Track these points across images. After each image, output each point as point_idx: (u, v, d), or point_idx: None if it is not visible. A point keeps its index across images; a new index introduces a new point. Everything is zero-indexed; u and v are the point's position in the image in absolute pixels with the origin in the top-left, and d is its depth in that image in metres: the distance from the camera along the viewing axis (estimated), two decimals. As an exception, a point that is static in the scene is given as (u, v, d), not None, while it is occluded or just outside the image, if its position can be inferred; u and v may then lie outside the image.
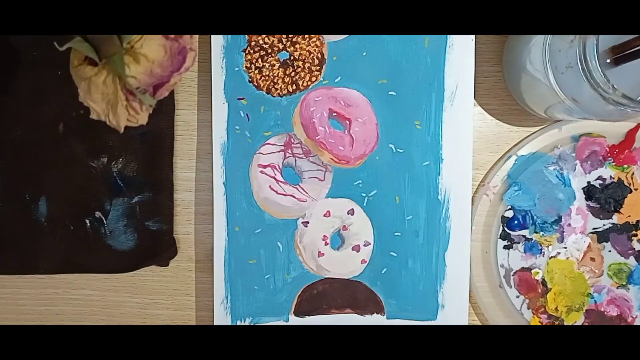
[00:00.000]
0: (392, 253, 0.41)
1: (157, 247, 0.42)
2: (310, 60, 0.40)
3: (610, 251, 0.43)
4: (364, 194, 0.41)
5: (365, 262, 0.41)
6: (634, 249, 0.43)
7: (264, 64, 0.40)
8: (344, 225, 0.41)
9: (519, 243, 0.43)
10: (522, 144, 0.42)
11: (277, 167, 0.41)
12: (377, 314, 0.42)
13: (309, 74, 0.40)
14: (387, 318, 0.42)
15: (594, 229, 0.42)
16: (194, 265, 0.44)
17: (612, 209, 0.42)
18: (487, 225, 0.42)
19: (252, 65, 0.40)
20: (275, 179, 0.41)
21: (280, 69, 0.40)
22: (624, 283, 0.43)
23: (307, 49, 0.40)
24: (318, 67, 0.40)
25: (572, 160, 0.42)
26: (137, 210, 0.42)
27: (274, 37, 0.40)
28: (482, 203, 0.42)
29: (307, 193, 0.41)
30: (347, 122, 0.41)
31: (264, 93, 0.40)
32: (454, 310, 0.41)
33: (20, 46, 0.41)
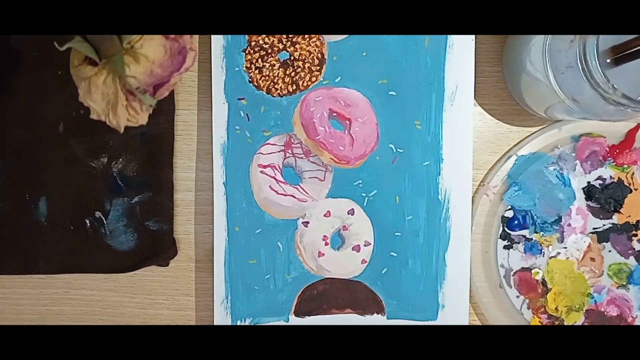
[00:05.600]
0: (392, 253, 0.41)
1: (157, 247, 0.42)
2: (311, 60, 0.40)
3: (610, 251, 0.43)
4: (364, 194, 0.41)
5: (366, 262, 0.41)
6: (634, 249, 0.43)
7: (264, 64, 0.40)
8: (344, 225, 0.41)
9: (519, 243, 0.43)
10: (522, 144, 0.42)
11: (277, 167, 0.41)
12: (378, 314, 0.42)
13: (309, 74, 0.40)
14: (388, 318, 0.42)
15: (594, 229, 0.42)
16: (194, 265, 0.44)
17: (612, 209, 0.42)
18: (487, 225, 0.42)
19: (252, 65, 0.40)
20: (276, 179, 0.41)
21: (281, 69, 0.40)
22: (624, 283, 0.43)
23: (307, 49, 0.40)
24: (318, 67, 0.40)
25: (572, 160, 0.42)
26: (137, 210, 0.42)
27: (274, 37, 0.40)
28: (482, 203, 0.42)
29: (307, 193, 0.41)
30: (347, 122, 0.41)
31: (264, 93, 0.40)
32: (454, 310, 0.41)
33: (20, 46, 0.41)
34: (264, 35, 0.40)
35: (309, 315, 0.42)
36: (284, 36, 0.40)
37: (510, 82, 0.41)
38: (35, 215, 0.42)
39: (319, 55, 0.40)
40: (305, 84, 0.40)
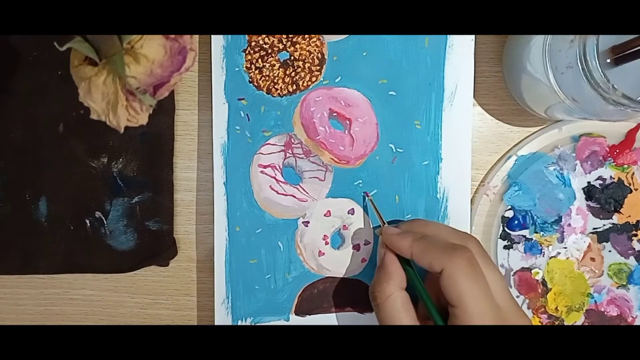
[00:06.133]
0: (392, 253, 0.41)
1: (157, 247, 0.42)
2: (311, 60, 0.40)
3: (610, 251, 0.43)
4: (364, 194, 0.41)
5: (366, 260, 0.41)
6: (634, 249, 0.43)
7: (264, 64, 0.40)
8: (344, 225, 0.41)
9: (519, 243, 0.43)
10: (522, 144, 0.42)
11: (278, 167, 0.41)
12: (378, 312, 0.42)
13: (309, 74, 0.40)
14: (388, 317, 0.42)
15: (594, 229, 0.42)
16: (195, 266, 0.44)
17: (612, 209, 0.42)
18: (487, 225, 0.42)
19: (252, 65, 0.40)
20: (276, 179, 0.41)
21: (281, 69, 0.40)
22: (624, 283, 0.43)
23: (307, 49, 0.40)
24: (318, 67, 0.40)
25: (572, 160, 0.42)
26: (137, 210, 0.42)
27: (274, 37, 0.40)
28: (482, 203, 0.42)
29: (307, 193, 0.41)
30: (348, 122, 0.41)
31: (264, 93, 0.40)
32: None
33: (20, 46, 0.41)
34: (264, 36, 0.40)
35: (310, 314, 0.42)
36: (284, 36, 0.40)
37: (510, 82, 0.41)
38: (35, 215, 0.42)
39: (319, 55, 0.40)
40: (305, 84, 0.40)
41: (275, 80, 0.40)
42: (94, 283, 0.44)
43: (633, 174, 0.42)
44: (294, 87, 0.40)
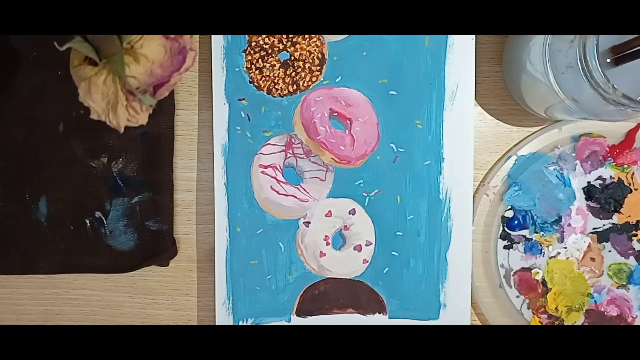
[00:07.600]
0: (393, 252, 0.41)
1: (157, 247, 0.42)
2: (311, 60, 0.40)
3: (610, 251, 0.43)
4: (365, 194, 0.41)
5: (367, 261, 0.41)
6: (634, 249, 0.43)
7: (265, 64, 0.40)
8: (346, 225, 0.41)
9: (519, 243, 0.43)
10: (522, 144, 0.42)
11: (278, 167, 0.41)
12: (379, 313, 0.42)
13: (309, 74, 0.40)
14: (389, 318, 0.42)
15: (594, 229, 0.43)
16: (195, 266, 0.44)
17: (612, 209, 0.42)
18: (487, 225, 0.42)
19: (253, 65, 0.40)
20: (277, 179, 0.41)
21: (281, 69, 0.40)
22: (624, 283, 0.43)
23: (307, 49, 0.40)
24: (318, 67, 0.40)
25: (572, 160, 0.42)
26: (137, 210, 0.42)
27: (274, 38, 0.40)
28: (482, 203, 0.42)
29: (308, 193, 0.41)
30: (348, 122, 0.41)
31: (265, 93, 0.40)
32: (456, 310, 0.41)
33: (20, 46, 0.41)
34: (264, 36, 0.40)
35: (311, 315, 0.42)
36: (284, 36, 0.40)
37: (510, 82, 0.41)
38: (35, 215, 0.42)
39: (319, 55, 0.40)
40: (305, 84, 0.40)
41: (276, 81, 0.40)
42: (93, 283, 0.43)
43: (633, 174, 0.42)
44: (295, 87, 0.40)
